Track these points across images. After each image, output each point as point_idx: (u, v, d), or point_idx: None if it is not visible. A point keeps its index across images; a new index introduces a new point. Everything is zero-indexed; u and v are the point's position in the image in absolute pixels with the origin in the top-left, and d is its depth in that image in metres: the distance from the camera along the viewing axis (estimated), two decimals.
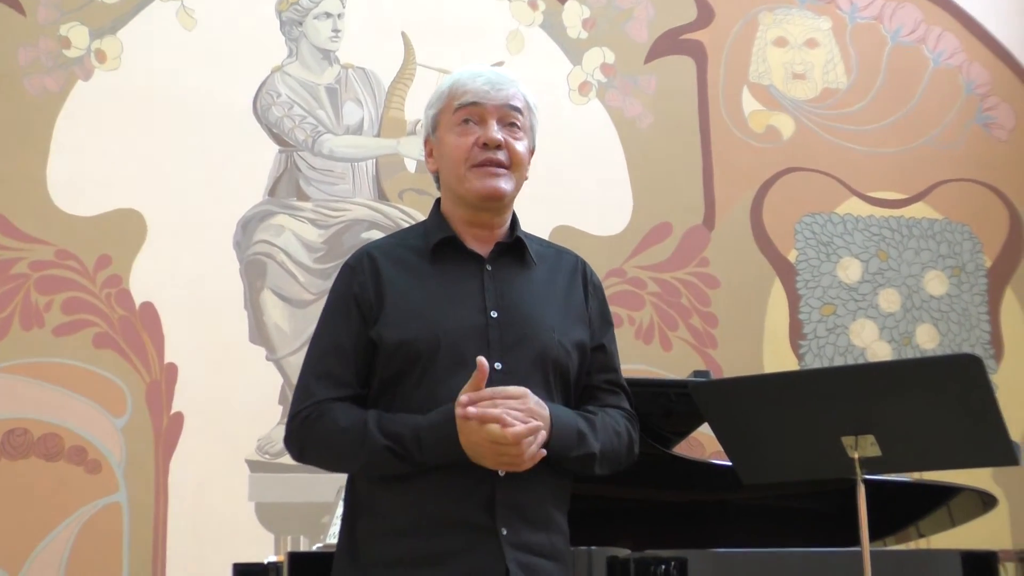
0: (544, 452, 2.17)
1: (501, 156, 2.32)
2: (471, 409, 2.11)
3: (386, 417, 2.22)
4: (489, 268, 2.34)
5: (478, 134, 2.32)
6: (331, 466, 2.33)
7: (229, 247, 5.35)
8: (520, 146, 2.34)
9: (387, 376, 2.27)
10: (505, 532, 2.19)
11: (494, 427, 2.10)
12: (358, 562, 2.25)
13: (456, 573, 2.17)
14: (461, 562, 2.17)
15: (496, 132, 2.31)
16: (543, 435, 2.16)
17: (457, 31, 5.77)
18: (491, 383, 2.18)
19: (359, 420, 2.21)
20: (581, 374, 2.37)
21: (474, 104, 2.33)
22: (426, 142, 2.44)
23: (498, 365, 2.23)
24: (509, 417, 2.12)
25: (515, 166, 2.33)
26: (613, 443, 2.33)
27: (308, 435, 2.27)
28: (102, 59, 5.38)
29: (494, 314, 2.28)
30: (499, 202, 2.33)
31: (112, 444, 5.04)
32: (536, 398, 2.20)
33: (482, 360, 2.13)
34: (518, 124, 2.35)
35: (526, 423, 2.13)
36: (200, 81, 5.43)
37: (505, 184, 2.32)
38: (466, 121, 2.34)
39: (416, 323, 2.25)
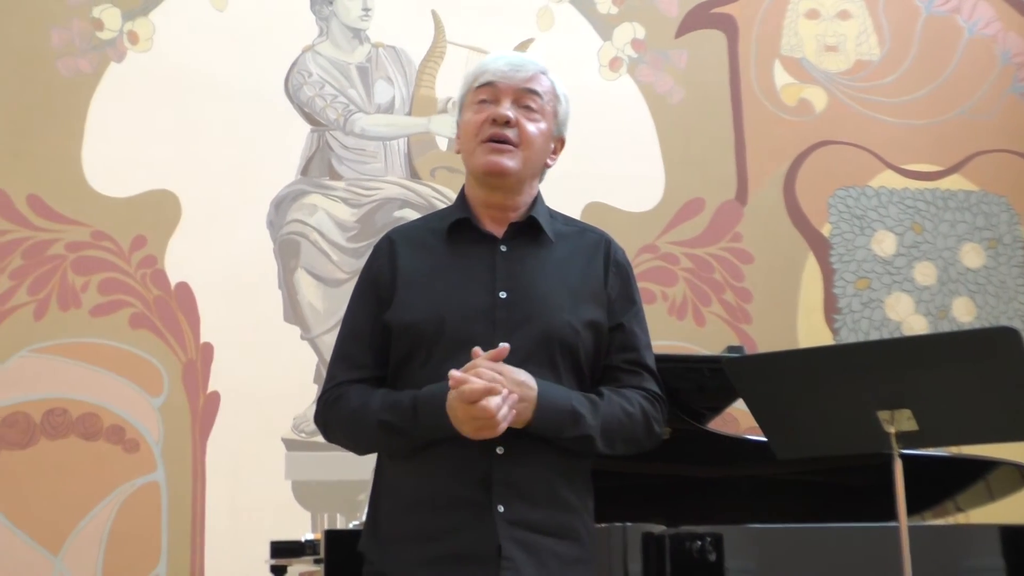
0: (515, 413, 2.16)
1: (509, 133, 2.33)
2: (454, 372, 2.14)
3: (391, 393, 2.27)
4: (503, 248, 2.35)
5: (490, 111, 2.35)
6: (350, 446, 2.39)
7: (263, 227, 5.37)
8: (533, 127, 2.35)
9: (398, 357, 2.32)
10: (502, 509, 2.20)
11: (462, 387, 2.13)
12: (378, 537, 2.31)
13: (452, 549, 2.20)
14: (457, 538, 2.20)
15: (506, 109, 2.34)
16: (514, 398, 2.16)
17: (487, 8, 5.76)
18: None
19: (367, 399, 2.27)
20: (599, 354, 2.36)
21: (490, 84, 2.37)
22: (457, 125, 2.47)
23: (504, 345, 2.23)
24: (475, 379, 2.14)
25: (524, 144, 2.34)
26: (622, 423, 2.31)
27: (329, 417, 2.35)
28: (134, 40, 5.40)
29: (503, 295, 2.29)
30: (503, 179, 2.34)
31: (150, 423, 5.08)
32: (525, 374, 2.20)
33: (476, 349, 2.17)
34: (534, 107, 2.37)
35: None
36: (232, 61, 5.45)
37: (509, 161, 2.33)
38: (483, 101, 2.37)
39: (423, 305, 2.28)
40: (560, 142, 2.45)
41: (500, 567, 2.17)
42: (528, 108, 2.36)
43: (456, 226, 2.37)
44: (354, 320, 2.38)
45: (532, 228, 2.39)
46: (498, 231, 2.37)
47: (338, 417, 2.32)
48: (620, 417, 2.31)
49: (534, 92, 2.37)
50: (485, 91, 2.37)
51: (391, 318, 2.31)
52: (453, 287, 2.30)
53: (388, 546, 2.28)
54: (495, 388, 2.12)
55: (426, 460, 2.24)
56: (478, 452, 2.20)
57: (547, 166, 2.43)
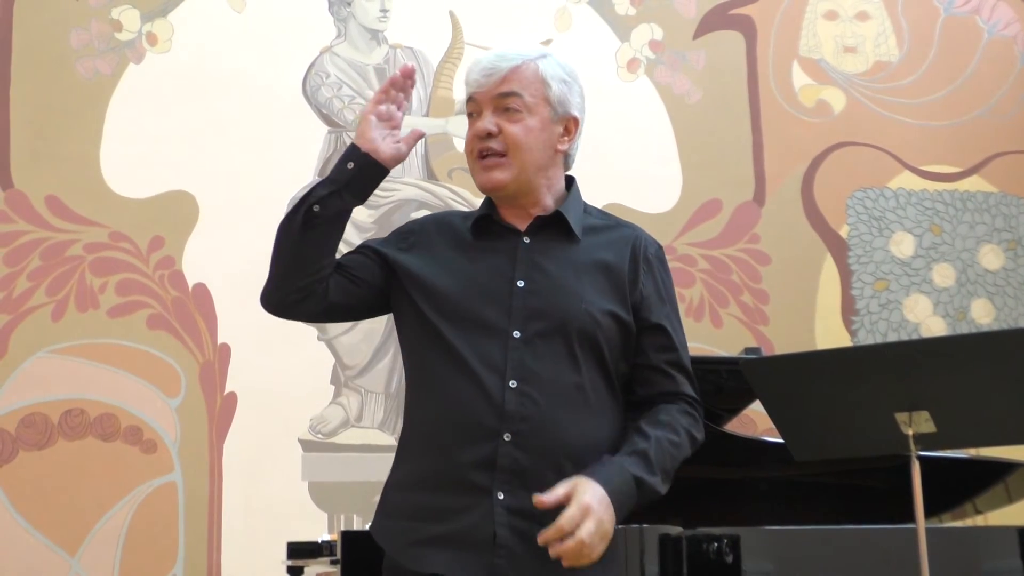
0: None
1: (494, 144, 2.32)
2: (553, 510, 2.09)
3: None
4: (526, 240, 2.35)
5: (475, 126, 2.36)
6: (285, 260, 2.58)
7: None
8: (517, 128, 2.31)
9: (411, 339, 2.34)
10: (501, 496, 2.18)
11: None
12: (382, 512, 2.34)
13: (448, 530, 2.19)
14: (454, 520, 2.19)
15: (486, 122, 2.32)
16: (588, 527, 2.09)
17: (505, 9, 5.76)
18: (510, 351, 2.22)
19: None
20: (627, 351, 2.33)
21: (471, 98, 2.37)
22: None
23: (517, 333, 2.24)
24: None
25: (512, 150, 2.31)
26: (673, 459, 2.28)
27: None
28: (153, 42, 5.42)
29: (520, 283, 2.29)
30: (501, 191, 2.34)
31: (167, 424, 5.09)
32: (589, 492, 2.11)
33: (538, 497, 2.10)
34: (515, 106, 2.32)
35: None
36: (250, 63, 5.46)
37: (501, 174, 2.32)
38: (470, 115, 2.38)
39: (441, 289, 2.30)
40: (572, 122, 2.39)
41: (494, 554, 2.16)
42: (509, 110, 2.33)
43: (481, 222, 2.39)
44: (362, 244, 2.46)
45: (559, 222, 2.37)
46: (521, 224, 2.38)
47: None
48: (671, 453, 2.27)
49: (511, 93, 2.32)
50: (470, 105, 2.37)
51: (412, 298, 2.32)
52: (471, 272, 2.32)
53: (388, 523, 2.30)
54: (565, 530, 2.06)
55: (430, 439, 2.25)
56: (486, 435, 2.19)
57: (561, 152, 2.39)
